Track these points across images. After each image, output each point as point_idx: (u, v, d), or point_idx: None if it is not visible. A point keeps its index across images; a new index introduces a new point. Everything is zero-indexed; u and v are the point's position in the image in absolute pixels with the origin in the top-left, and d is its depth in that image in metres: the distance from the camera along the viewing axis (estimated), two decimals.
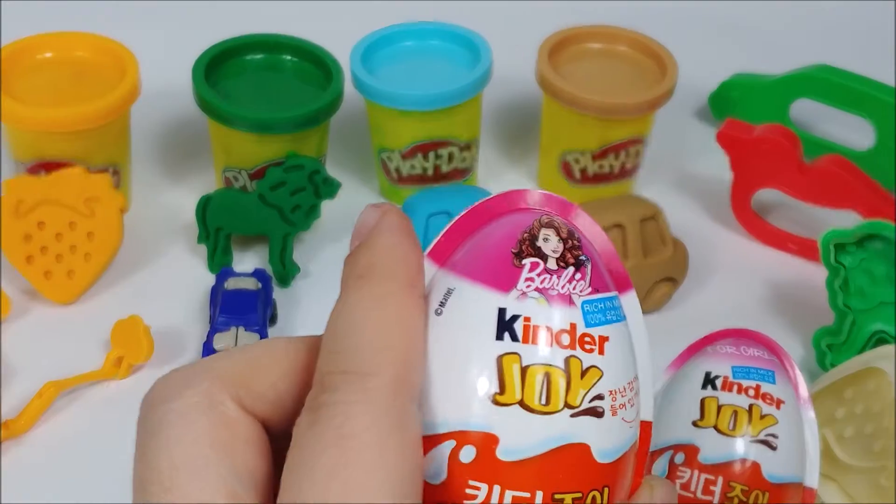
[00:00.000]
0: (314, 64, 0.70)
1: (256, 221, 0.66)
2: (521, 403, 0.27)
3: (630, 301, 0.31)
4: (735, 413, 0.50)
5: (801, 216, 0.73)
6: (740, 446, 0.50)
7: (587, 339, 0.28)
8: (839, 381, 0.56)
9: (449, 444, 0.27)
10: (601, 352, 0.28)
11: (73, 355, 0.62)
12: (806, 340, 0.65)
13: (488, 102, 0.74)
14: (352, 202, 0.71)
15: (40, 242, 0.63)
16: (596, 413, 0.28)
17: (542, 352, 0.28)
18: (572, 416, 0.28)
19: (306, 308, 0.66)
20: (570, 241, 0.29)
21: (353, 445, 0.26)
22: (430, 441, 0.28)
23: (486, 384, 0.28)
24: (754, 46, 0.88)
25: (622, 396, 0.29)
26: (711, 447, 0.50)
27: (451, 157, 0.71)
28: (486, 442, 0.27)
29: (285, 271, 0.67)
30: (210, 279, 0.67)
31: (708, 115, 0.81)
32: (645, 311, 0.66)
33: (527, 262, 0.29)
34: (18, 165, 0.67)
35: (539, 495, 0.27)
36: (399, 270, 0.28)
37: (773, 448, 0.50)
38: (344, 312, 0.28)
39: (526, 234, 0.29)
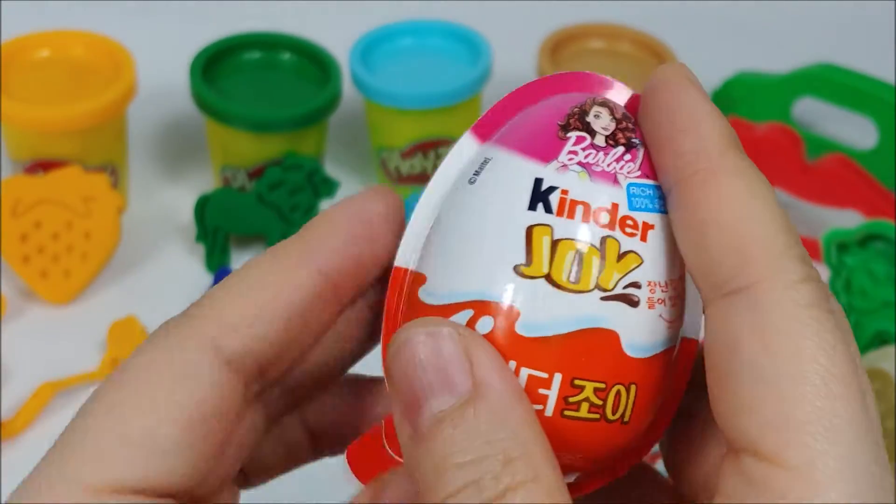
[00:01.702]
0: (312, 62, 0.70)
1: (254, 221, 0.66)
2: (548, 278, 0.25)
3: None
4: None
5: (803, 216, 0.72)
6: None
7: (629, 222, 0.26)
8: None
9: (466, 314, 0.26)
10: (643, 238, 0.26)
11: (70, 356, 0.61)
12: None
13: (488, 101, 0.74)
14: None
15: (37, 242, 0.63)
16: (630, 301, 0.26)
17: (577, 227, 0.26)
18: (603, 298, 0.25)
19: None
20: (623, 123, 0.27)
21: (141, 376, 0.26)
22: (447, 310, 0.26)
23: (511, 254, 0.26)
24: (757, 45, 0.87)
25: (662, 291, 0.26)
26: None
27: None
28: (507, 314, 0.25)
29: None
30: (208, 279, 0.66)
31: None
32: None
33: (572, 135, 0.27)
34: (16, 165, 0.67)
35: (557, 377, 0.25)
36: (316, 247, 0.28)
37: None
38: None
39: (576, 109, 0.27)
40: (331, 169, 0.72)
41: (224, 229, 0.66)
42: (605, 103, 0.27)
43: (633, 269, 0.26)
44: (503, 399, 0.24)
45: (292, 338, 0.28)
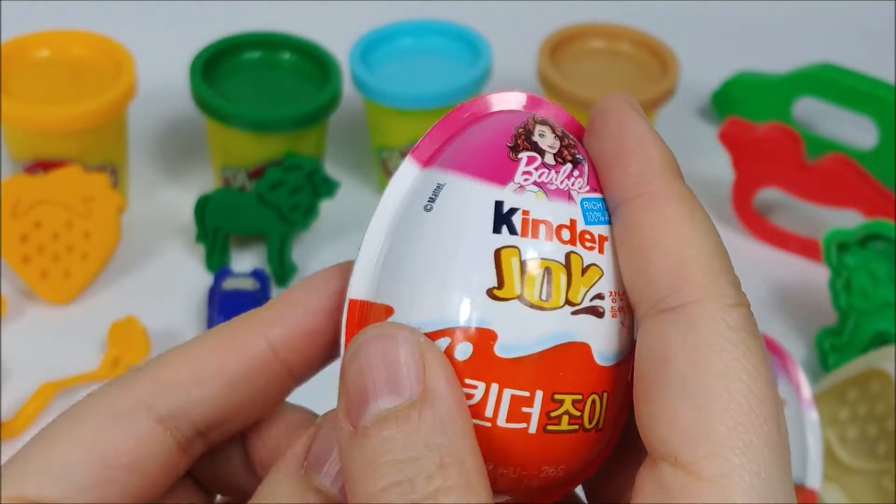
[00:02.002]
0: (313, 62, 0.70)
1: (255, 221, 0.66)
2: (521, 298, 0.26)
3: None
4: None
5: (804, 216, 0.72)
6: None
7: (587, 236, 0.27)
8: (842, 382, 0.56)
9: (443, 342, 0.26)
10: (601, 251, 0.27)
11: (70, 356, 0.61)
12: (808, 341, 0.65)
13: None
14: (351, 202, 0.70)
15: (37, 242, 0.63)
16: (596, 312, 0.27)
17: (543, 246, 0.27)
18: (573, 313, 0.26)
19: None
20: (565, 140, 0.28)
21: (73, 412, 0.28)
22: None
23: (483, 278, 0.26)
24: (757, 45, 0.87)
25: (621, 300, 0.27)
26: None
27: None
28: (484, 338, 0.26)
29: (283, 271, 0.66)
30: (208, 279, 0.66)
31: (710, 114, 0.81)
32: None
33: (523, 155, 0.27)
34: (16, 165, 0.67)
35: (539, 394, 0.26)
36: (269, 321, 0.29)
37: None
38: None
39: (521, 129, 0.28)
40: (331, 169, 0.72)
41: (224, 229, 0.66)
42: (546, 121, 0.28)
43: (597, 282, 0.27)
44: (449, 408, 0.25)
45: (235, 405, 0.29)
